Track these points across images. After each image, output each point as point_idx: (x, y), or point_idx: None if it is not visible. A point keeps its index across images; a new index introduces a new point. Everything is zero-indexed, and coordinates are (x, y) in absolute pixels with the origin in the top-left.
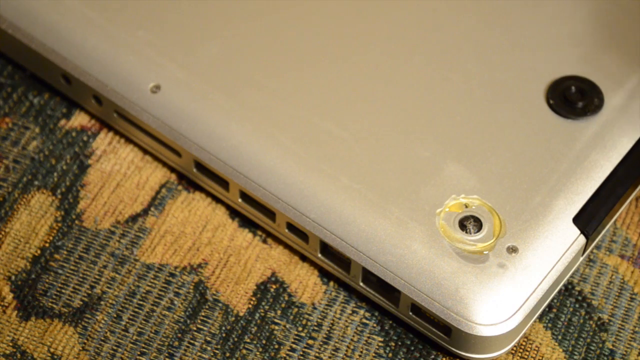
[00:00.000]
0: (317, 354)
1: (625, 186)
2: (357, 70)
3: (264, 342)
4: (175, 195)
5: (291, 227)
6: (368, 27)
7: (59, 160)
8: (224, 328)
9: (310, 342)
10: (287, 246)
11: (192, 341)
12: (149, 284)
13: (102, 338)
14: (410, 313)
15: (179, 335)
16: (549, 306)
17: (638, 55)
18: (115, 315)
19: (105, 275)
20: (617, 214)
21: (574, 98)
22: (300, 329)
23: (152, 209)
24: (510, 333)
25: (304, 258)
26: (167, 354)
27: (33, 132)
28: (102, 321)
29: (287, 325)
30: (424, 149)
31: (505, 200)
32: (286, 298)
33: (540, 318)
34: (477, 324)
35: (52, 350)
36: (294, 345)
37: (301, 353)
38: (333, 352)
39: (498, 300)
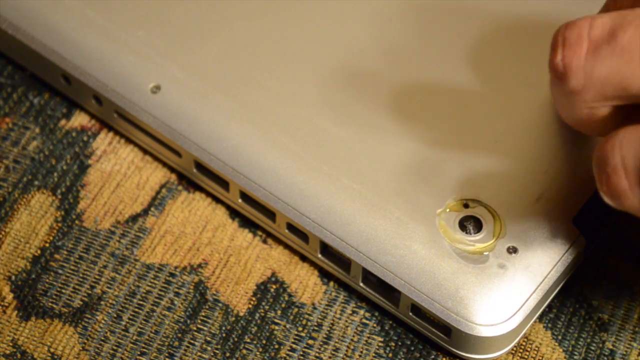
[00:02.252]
0: (317, 354)
1: None
2: (357, 70)
3: (264, 342)
4: (175, 195)
5: (291, 227)
6: (368, 27)
7: (59, 160)
8: (224, 328)
9: (311, 342)
10: (287, 246)
11: (192, 341)
12: (149, 284)
13: (102, 338)
14: (410, 313)
15: (179, 335)
16: (549, 306)
17: None
18: (115, 315)
19: (105, 275)
20: (617, 214)
21: None
22: (300, 329)
23: (152, 209)
24: (510, 333)
25: (304, 258)
26: (167, 354)
27: (33, 132)
28: (102, 321)
29: (287, 325)
30: (424, 149)
31: (505, 200)
32: (286, 298)
33: (540, 318)
34: (477, 325)
35: (52, 350)
36: (294, 345)
37: (301, 353)
38: (333, 352)
39: (498, 300)
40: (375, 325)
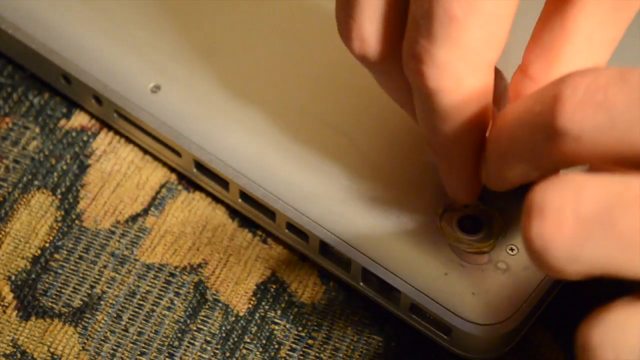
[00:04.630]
0: (317, 354)
1: None
2: (357, 71)
3: (264, 342)
4: (175, 195)
5: (291, 227)
6: None
7: (59, 160)
8: (224, 328)
9: (310, 342)
10: (287, 246)
11: (192, 341)
12: (149, 284)
13: (102, 338)
14: (410, 313)
15: (179, 335)
16: (549, 306)
17: (637, 56)
18: (115, 315)
19: (105, 275)
20: None
21: None
22: (300, 328)
23: (152, 209)
24: (510, 333)
25: (304, 258)
26: (167, 354)
27: (33, 132)
28: (102, 321)
29: (287, 325)
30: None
31: (505, 200)
32: (286, 298)
33: (540, 318)
34: (477, 324)
35: (52, 350)
36: (294, 345)
37: (301, 353)
38: (333, 352)
39: (498, 300)
40: (375, 325)
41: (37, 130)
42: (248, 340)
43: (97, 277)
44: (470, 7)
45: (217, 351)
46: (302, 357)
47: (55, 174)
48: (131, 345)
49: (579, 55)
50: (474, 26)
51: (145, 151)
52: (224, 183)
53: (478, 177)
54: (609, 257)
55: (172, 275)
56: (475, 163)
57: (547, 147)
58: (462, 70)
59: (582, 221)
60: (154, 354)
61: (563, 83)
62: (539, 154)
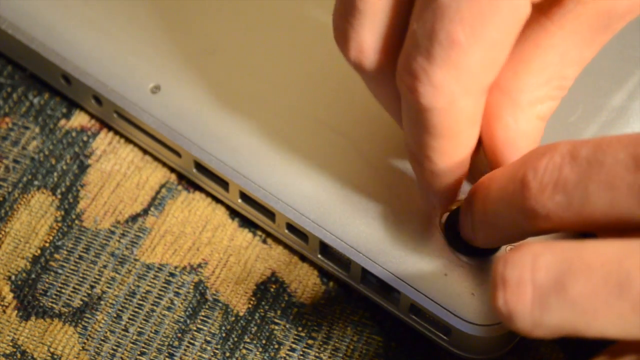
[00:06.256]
0: (317, 354)
1: None
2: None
3: (264, 342)
4: (175, 195)
5: (291, 227)
6: None
7: (59, 160)
8: (224, 328)
9: (310, 342)
10: (287, 246)
11: (192, 341)
12: (149, 283)
13: (102, 338)
14: (410, 313)
15: (179, 335)
16: None
17: (637, 56)
18: (115, 315)
19: (105, 275)
20: None
21: None
22: (300, 329)
23: (152, 209)
24: (510, 333)
25: (303, 258)
26: (167, 354)
27: (33, 132)
28: (102, 321)
29: (287, 325)
30: None
31: None
32: (286, 298)
33: None
34: (476, 325)
35: (52, 350)
36: (294, 345)
37: (301, 353)
38: (333, 352)
39: None
40: (375, 325)
41: (37, 130)
42: (248, 340)
43: (97, 277)
44: (473, 33)
45: (217, 351)
46: (302, 357)
47: (55, 174)
48: (131, 345)
49: (548, 70)
50: (475, 52)
51: (145, 151)
52: (223, 183)
53: (455, 189)
54: (567, 322)
55: (172, 275)
56: (455, 176)
57: (525, 223)
58: (456, 91)
59: (538, 290)
60: (154, 354)
61: (526, 165)
62: (519, 227)
